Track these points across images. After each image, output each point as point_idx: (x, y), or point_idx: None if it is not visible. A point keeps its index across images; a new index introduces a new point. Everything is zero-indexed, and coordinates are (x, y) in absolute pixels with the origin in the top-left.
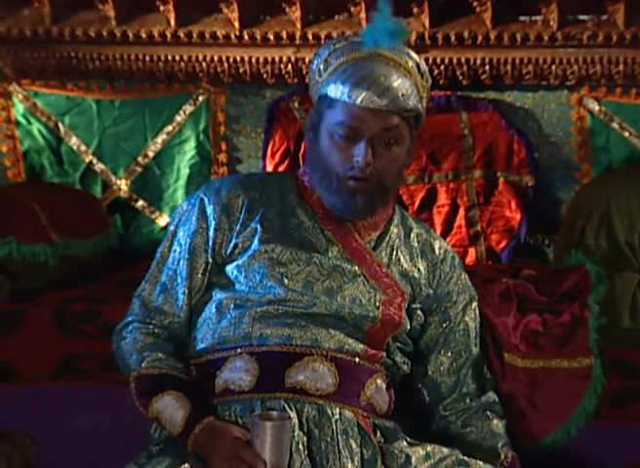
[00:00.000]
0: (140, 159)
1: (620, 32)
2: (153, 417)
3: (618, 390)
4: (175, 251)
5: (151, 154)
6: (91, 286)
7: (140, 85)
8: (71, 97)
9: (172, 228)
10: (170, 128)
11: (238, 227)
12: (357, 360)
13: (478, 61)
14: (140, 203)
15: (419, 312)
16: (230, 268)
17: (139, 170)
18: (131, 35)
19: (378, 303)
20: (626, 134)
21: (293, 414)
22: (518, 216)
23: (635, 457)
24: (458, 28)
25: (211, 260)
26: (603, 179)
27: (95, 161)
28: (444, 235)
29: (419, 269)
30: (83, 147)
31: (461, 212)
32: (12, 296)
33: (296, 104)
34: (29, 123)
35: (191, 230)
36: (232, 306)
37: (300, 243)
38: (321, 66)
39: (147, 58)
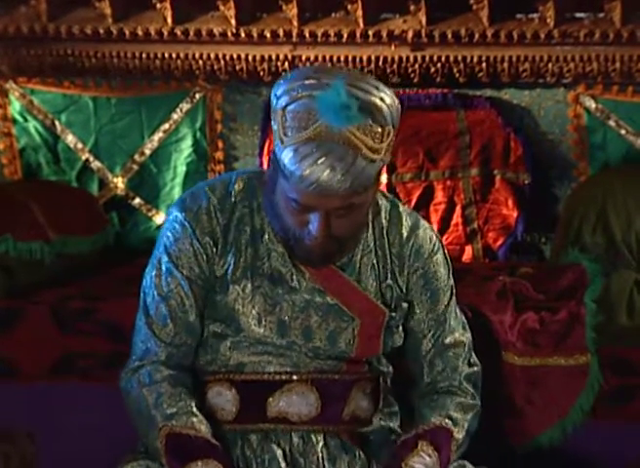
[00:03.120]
0: (136, 157)
1: (616, 30)
2: None
3: (614, 388)
4: (169, 281)
5: (148, 152)
6: (88, 283)
7: (136, 82)
8: (68, 95)
9: (160, 257)
10: (166, 126)
11: (218, 255)
12: (337, 376)
13: (475, 59)
14: (137, 201)
15: (404, 305)
16: (207, 301)
17: (135, 167)
18: (127, 33)
19: (354, 338)
20: (623, 131)
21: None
22: (515, 214)
23: (632, 455)
24: (454, 26)
25: (208, 285)
26: (600, 177)
27: (91, 159)
28: (441, 233)
29: (393, 272)
30: (80, 145)
31: (458, 209)
32: (9, 294)
33: None
34: (26, 120)
35: (183, 259)
36: (209, 335)
37: (270, 277)
38: (279, 115)
39: (144, 56)
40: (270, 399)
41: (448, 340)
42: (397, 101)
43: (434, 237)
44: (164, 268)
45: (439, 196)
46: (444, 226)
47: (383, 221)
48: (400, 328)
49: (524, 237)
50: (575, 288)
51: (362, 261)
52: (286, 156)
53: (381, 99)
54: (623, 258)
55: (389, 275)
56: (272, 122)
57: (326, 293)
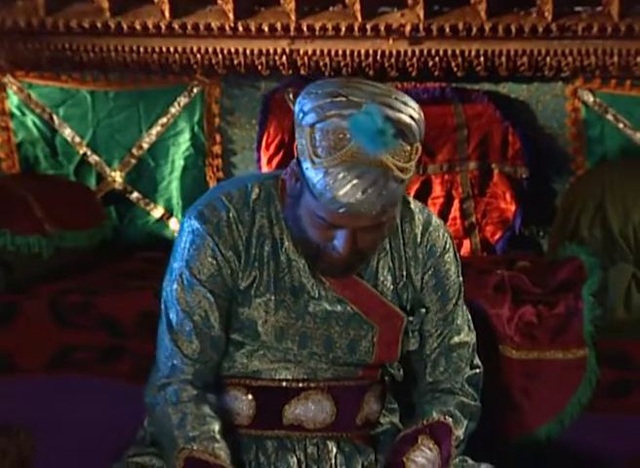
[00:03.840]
0: (134, 151)
1: (614, 24)
2: None
3: (612, 381)
4: (193, 296)
5: (146, 146)
6: (85, 277)
7: (134, 76)
8: (66, 89)
9: (182, 271)
10: (164, 119)
11: (241, 269)
12: (353, 383)
13: (473, 53)
14: (135, 195)
15: (421, 311)
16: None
17: (133, 161)
18: (125, 27)
19: (373, 345)
20: (621, 125)
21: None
22: (513, 208)
23: (630, 448)
24: (452, 20)
25: (231, 297)
26: (598, 171)
27: (89, 153)
28: None
29: (409, 272)
30: (77, 139)
31: (456, 203)
32: (6, 288)
33: (290, 96)
34: (23, 114)
35: (207, 273)
36: (227, 342)
37: (292, 289)
38: (306, 131)
39: (142, 50)
40: (287, 406)
41: (453, 341)
42: (422, 113)
43: (446, 234)
44: (186, 283)
45: (437, 190)
46: (442, 220)
47: (397, 221)
48: (416, 332)
49: (522, 231)
50: (572, 281)
51: (379, 265)
52: (316, 176)
53: (411, 117)
54: (621, 252)
55: (405, 275)
56: (297, 136)
57: (347, 303)
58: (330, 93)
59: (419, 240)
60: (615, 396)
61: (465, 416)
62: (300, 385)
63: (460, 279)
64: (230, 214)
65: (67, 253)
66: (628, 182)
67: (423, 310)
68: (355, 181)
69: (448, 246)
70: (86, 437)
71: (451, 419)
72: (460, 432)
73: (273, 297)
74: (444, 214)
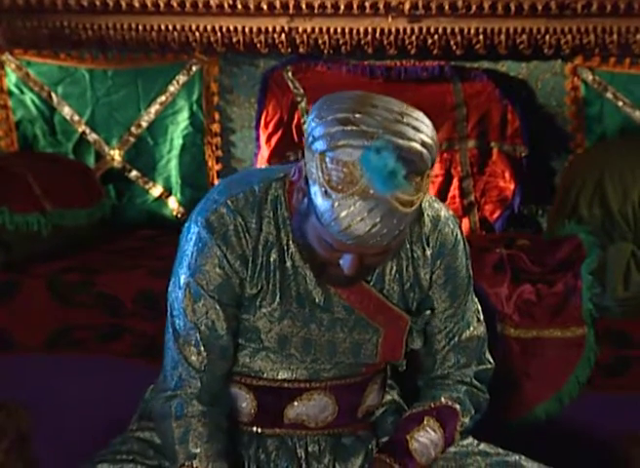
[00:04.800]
0: (133, 129)
1: (613, 2)
2: None
3: (611, 359)
4: (200, 306)
5: (144, 124)
6: (84, 256)
7: (132, 55)
8: (64, 67)
9: (188, 280)
10: (163, 98)
11: (249, 278)
12: (355, 379)
13: (472, 31)
14: (134, 173)
15: (427, 313)
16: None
17: (132, 140)
18: (124, 4)
19: (377, 348)
20: (620, 103)
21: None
22: (512, 187)
23: (628, 426)
24: None
25: (238, 305)
26: (597, 149)
27: (88, 131)
28: None
29: (416, 272)
30: (76, 117)
31: (455, 182)
32: (5, 267)
33: (289, 74)
34: (22, 93)
35: (214, 283)
36: None
37: (298, 297)
38: (317, 156)
39: (140, 28)
40: (288, 406)
41: (463, 336)
42: (435, 134)
43: (455, 228)
44: (193, 293)
45: (436, 168)
46: (441, 199)
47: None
48: (421, 332)
49: (521, 209)
50: (571, 260)
51: (385, 268)
52: (324, 204)
53: (423, 143)
54: (620, 230)
55: (412, 275)
56: (307, 158)
57: (353, 309)
58: (340, 120)
59: (427, 239)
60: (613, 374)
61: (473, 405)
62: (303, 385)
63: (471, 272)
64: (238, 223)
65: (66, 231)
66: (627, 161)
67: (429, 312)
68: (365, 215)
69: (458, 240)
70: (85, 415)
71: (459, 406)
72: (466, 419)
73: (279, 307)
74: (443, 193)
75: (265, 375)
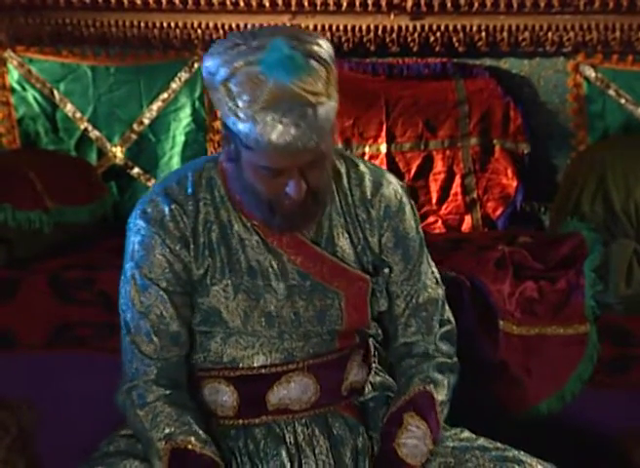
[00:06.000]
0: (135, 126)
1: None
2: None
3: (613, 357)
4: (147, 296)
5: (147, 121)
6: (86, 253)
7: (135, 52)
8: (66, 64)
9: (133, 272)
10: (165, 95)
11: (193, 259)
12: (332, 356)
13: (474, 28)
14: (136, 170)
15: (385, 271)
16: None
17: (134, 137)
18: (126, 1)
19: (342, 312)
20: (622, 100)
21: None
22: (514, 184)
23: (630, 423)
24: None
25: (188, 291)
26: (599, 147)
27: (90, 128)
28: (440, 203)
29: (364, 234)
30: (78, 114)
31: (457, 179)
32: (7, 264)
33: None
34: (24, 90)
35: (158, 272)
36: (197, 334)
37: (249, 270)
38: (221, 90)
39: (142, 25)
40: (269, 392)
41: (421, 299)
42: (328, 42)
43: (400, 191)
44: (140, 284)
45: (438, 166)
46: (443, 196)
47: (345, 185)
48: (384, 292)
49: (523, 206)
50: (574, 257)
51: (334, 231)
52: (245, 128)
53: (318, 44)
54: (622, 228)
55: (362, 237)
56: (214, 99)
57: (307, 274)
58: (231, 47)
59: (370, 201)
60: (615, 371)
61: (445, 376)
62: (280, 369)
63: (421, 234)
64: (173, 207)
65: (68, 228)
66: (630, 158)
67: (387, 270)
68: (284, 120)
69: (403, 203)
70: (87, 412)
71: (432, 385)
72: (442, 395)
73: (230, 282)
74: (445, 190)
75: (242, 365)
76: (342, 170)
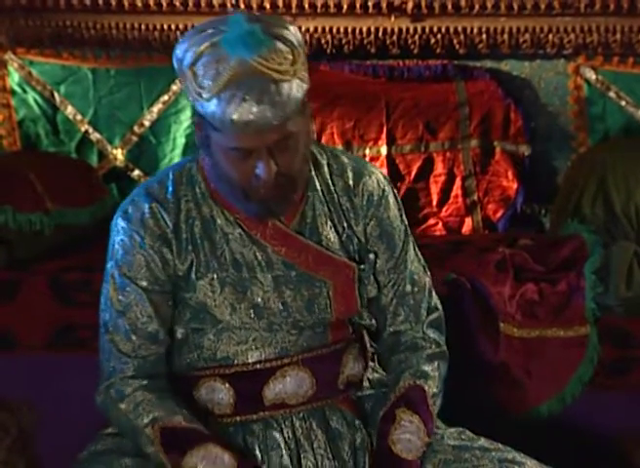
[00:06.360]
0: (136, 128)
1: (616, 1)
2: None
3: (613, 359)
4: (125, 295)
5: (147, 123)
6: (87, 255)
7: (135, 54)
8: (67, 66)
9: (113, 272)
10: (166, 97)
11: (175, 255)
12: (326, 350)
13: (475, 30)
14: (137, 172)
15: (370, 256)
16: (178, 299)
17: (135, 139)
18: (126, 4)
19: (330, 301)
20: (623, 103)
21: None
22: (515, 186)
23: (631, 426)
24: None
25: (169, 289)
26: (600, 149)
27: (90, 130)
28: (440, 205)
29: (349, 223)
30: (79, 116)
31: (458, 181)
32: (8, 265)
33: None
34: (25, 92)
35: (137, 270)
36: (189, 332)
37: (234, 263)
38: (188, 74)
39: (143, 27)
40: (265, 387)
41: (408, 287)
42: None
43: (383, 180)
44: (118, 283)
45: (439, 168)
46: (444, 198)
47: (327, 175)
48: (371, 278)
49: (524, 209)
50: (574, 259)
51: (317, 220)
52: (210, 108)
53: (284, 27)
54: (623, 230)
55: (346, 226)
56: (184, 87)
57: (292, 264)
58: (197, 31)
59: (353, 190)
60: (616, 373)
61: (434, 366)
62: (274, 364)
63: (406, 223)
64: (153, 205)
65: (69, 230)
66: (630, 160)
67: (372, 255)
68: (247, 96)
69: (386, 192)
70: (87, 413)
71: (422, 380)
72: (434, 388)
73: (215, 276)
74: (446, 192)
75: (236, 362)
76: (323, 161)
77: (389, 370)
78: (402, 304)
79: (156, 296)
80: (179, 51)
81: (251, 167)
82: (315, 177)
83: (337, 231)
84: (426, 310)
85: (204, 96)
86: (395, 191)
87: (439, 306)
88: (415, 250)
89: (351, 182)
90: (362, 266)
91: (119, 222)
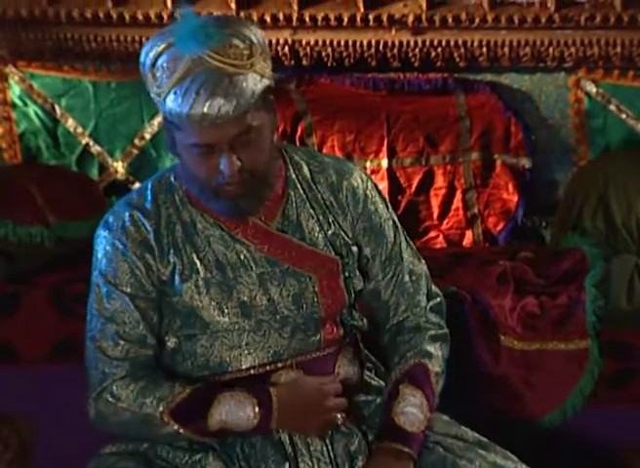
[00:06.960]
0: (136, 141)
1: (617, 14)
2: (214, 431)
3: (614, 372)
4: (111, 302)
5: (148, 136)
6: (87, 268)
7: (136, 67)
8: (68, 79)
9: (97, 281)
10: None
11: (158, 261)
12: (319, 353)
13: (475, 43)
14: (137, 185)
15: (354, 249)
16: (164, 305)
17: (135, 152)
18: (127, 17)
19: (317, 295)
20: (624, 116)
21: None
22: (515, 199)
23: (632, 439)
24: (455, 10)
25: (154, 296)
26: (600, 162)
27: (91, 143)
28: (441, 218)
29: (336, 220)
30: (79, 129)
31: (459, 194)
32: (8, 278)
33: (292, 86)
34: (25, 105)
35: (121, 278)
36: (182, 340)
37: (218, 264)
38: (149, 76)
39: (144, 40)
40: None
41: (406, 277)
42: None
43: (363, 176)
44: (104, 291)
45: (439, 181)
46: (444, 211)
47: (307, 174)
48: (357, 271)
49: (524, 222)
50: (575, 272)
51: (300, 217)
52: (167, 105)
53: (241, 24)
54: (624, 243)
55: (332, 223)
56: (149, 90)
57: (276, 260)
58: (156, 35)
59: (336, 186)
60: (617, 386)
61: (437, 346)
62: (268, 368)
63: (392, 214)
64: (133, 213)
65: (69, 243)
66: (631, 173)
67: (356, 248)
68: (201, 89)
69: (369, 187)
70: (88, 426)
71: (426, 358)
72: (437, 367)
73: (200, 277)
74: (446, 205)
75: (230, 368)
76: (302, 161)
77: (392, 351)
78: (402, 294)
79: (142, 303)
80: (141, 55)
81: (215, 164)
82: (295, 176)
83: (322, 228)
84: (426, 296)
85: (161, 94)
86: (377, 185)
87: (439, 292)
88: (407, 239)
89: (334, 179)
90: (346, 260)
91: (101, 233)
